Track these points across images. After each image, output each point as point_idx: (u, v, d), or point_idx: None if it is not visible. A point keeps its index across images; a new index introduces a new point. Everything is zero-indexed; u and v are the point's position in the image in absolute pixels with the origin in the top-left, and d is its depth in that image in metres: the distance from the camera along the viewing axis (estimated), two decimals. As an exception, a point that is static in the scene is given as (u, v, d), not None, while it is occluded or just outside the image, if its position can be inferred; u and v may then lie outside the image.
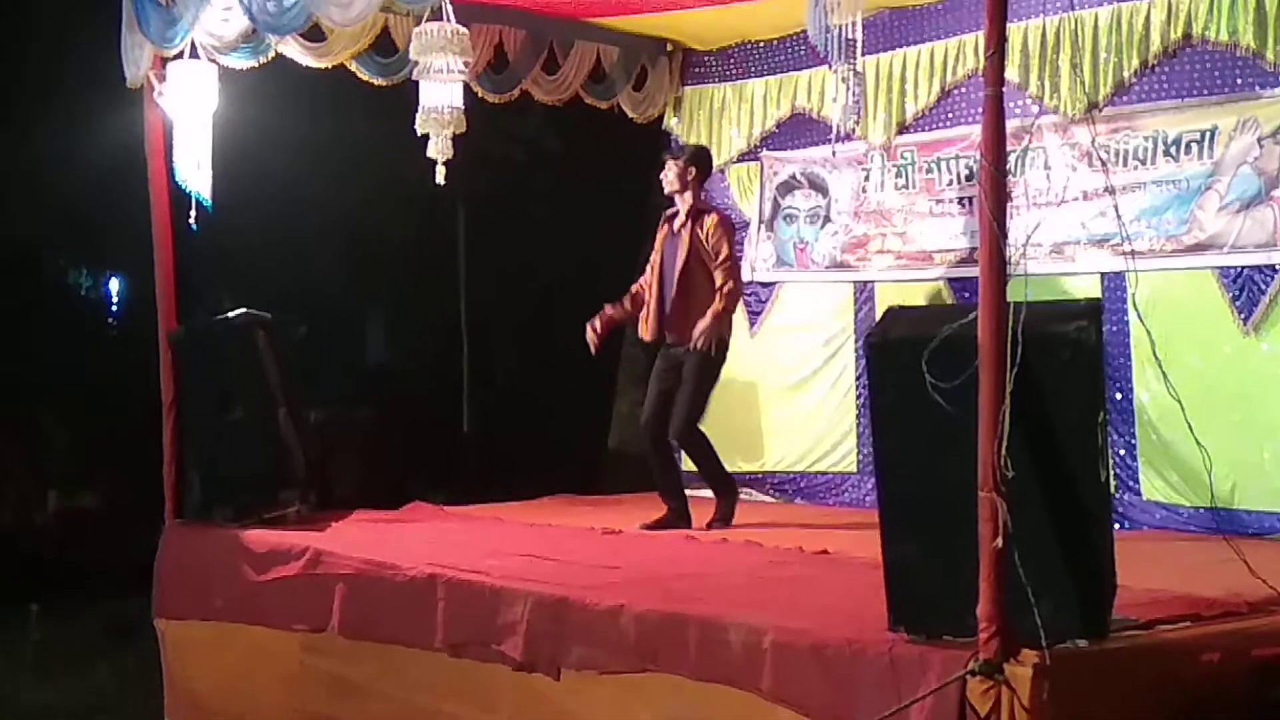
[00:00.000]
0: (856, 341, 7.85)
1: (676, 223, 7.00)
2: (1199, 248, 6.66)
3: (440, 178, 6.53)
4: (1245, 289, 6.53)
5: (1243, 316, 6.53)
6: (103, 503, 10.69)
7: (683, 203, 6.98)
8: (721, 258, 6.84)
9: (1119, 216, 6.61)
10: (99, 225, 11.36)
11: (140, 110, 7.01)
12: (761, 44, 8.36)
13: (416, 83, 6.63)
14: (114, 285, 13.68)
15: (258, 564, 6.32)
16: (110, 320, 13.54)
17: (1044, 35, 7.04)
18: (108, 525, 10.03)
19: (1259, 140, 6.46)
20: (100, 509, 10.66)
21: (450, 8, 6.34)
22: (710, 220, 6.91)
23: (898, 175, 7.80)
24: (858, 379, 7.85)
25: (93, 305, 13.72)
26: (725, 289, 6.82)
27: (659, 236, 7.10)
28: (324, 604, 5.94)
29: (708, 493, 8.47)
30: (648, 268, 7.16)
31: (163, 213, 7.01)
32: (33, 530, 10.46)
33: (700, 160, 7.07)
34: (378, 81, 7.36)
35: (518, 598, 5.23)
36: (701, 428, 7.09)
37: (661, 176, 7.03)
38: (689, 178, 6.95)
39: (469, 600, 5.42)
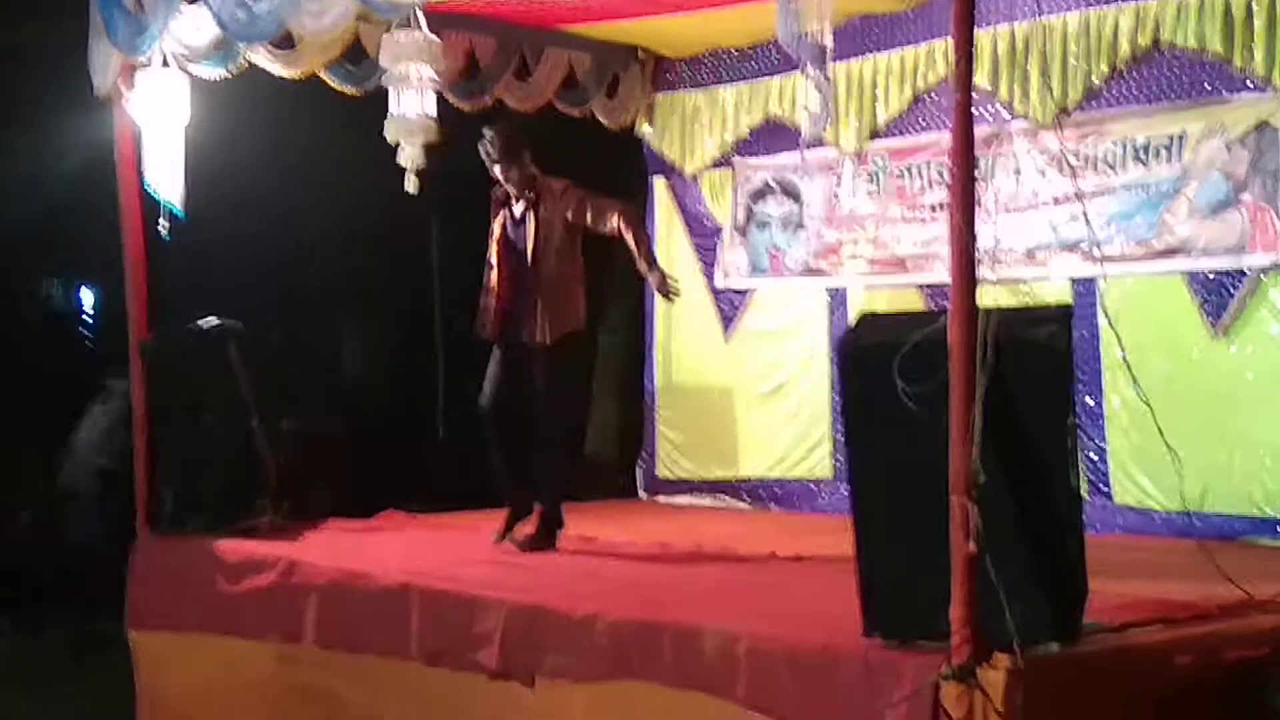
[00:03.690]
0: (830, 347, 7.87)
1: (518, 208, 6.39)
2: (1168, 252, 6.70)
3: (411, 186, 6.51)
4: (1214, 293, 6.57)
5: (1212, 320, 6.57)
6: (74, 513, 10.62)
7: (521, 184, 6.36)
8: (592, 201, 6.29)
9: (1088, 221, 6.65)
10: (70, 235, 11.30)
11: (110, 119, 6.99)
12: (733, 51, 8.38)
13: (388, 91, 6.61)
14: (86, 295, 13.61)
15: (231, 574, 6.30)
16: (82, 330, 13.47)
17: (1013, 41, 7.07)
18: (80, 536, 9.96)
19: (1227, 145, 6.51)
20: (72, 519, 10.58)
21: (422, 16, 6.33)
22: (555, 191, 6.34)
23: (869, 181, 7.82)
24: (832, 385, 7.86)
25: (64, 315, 13.64)
26: (622, 215, 6.26)
27: (497, 223, 6.44)
28: (298, 614, 5.93)
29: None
30: (490, 259, 6.46)
31: (134, 222, 6.99)
32: (2, 541, 10.38)
33: (524, 144, 6.39)
34: (348, 90, 7.35)
35: (492, 606, 5.23)
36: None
37: (504, 180, 6.37)
38: (529, 167, 6.36)
39: (443, 609, 5.41)
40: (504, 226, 6.41)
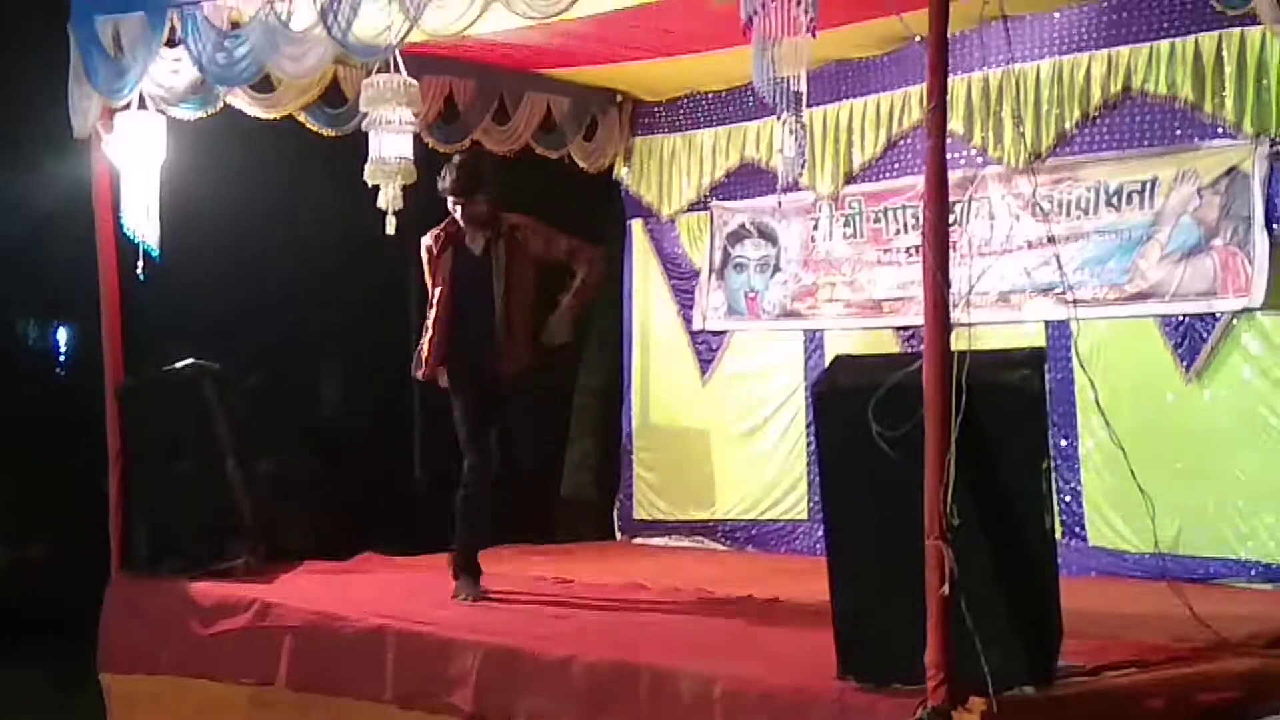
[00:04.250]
0: (807, 389, 7.88)
1: (477, 244, 6.27)
2: (1141, 296, 6.75)
3: (390, 228, 6.53)
4: (1187, 337, 6.62)
5: (1185, 364, 6.62)
6: (48, 554, 10.56)
7: (480, 219, 6.23)
8: (565, 240, 6.29)
9: (1061, 266, 6.70)
10: (46, 275, 11.27)
11: (87, 160, 7.00)
12: (710, 95, 8.43)
13: (367, 133, 6.64)
14: (61, 335, 13.56)
15: (205, 617, 6.26)
16: (57, 370, 13.42)
17: (987, 87, 7.13)
18: (53, 577, 9.90)
19: (1199, 191, 6.57)
20: (46, 561, 10.52)
21: (401, 59, 6.37)
22: (522, 226, 6.26)
23: (845, 225, 7.87)
24: (808, 427, 7.88)
25: (40, 355, 13.59)
26: (593, 260, 6.29)
27: (444, 259, 6.28)
28: (272, 657, 5.89)
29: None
30: (439, 296, 6.29)
31: (110, 263, 6.99)
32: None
33: (483, 179, 6.29)
34: (327, 132, 7.37)
35: (468, 648, 5.21)
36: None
37: (465, 217, 6.22)
38: (485, 203, 6.22)
39: (419, 651, 5.39)
40: (455, 263, 6.27)
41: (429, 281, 6.36)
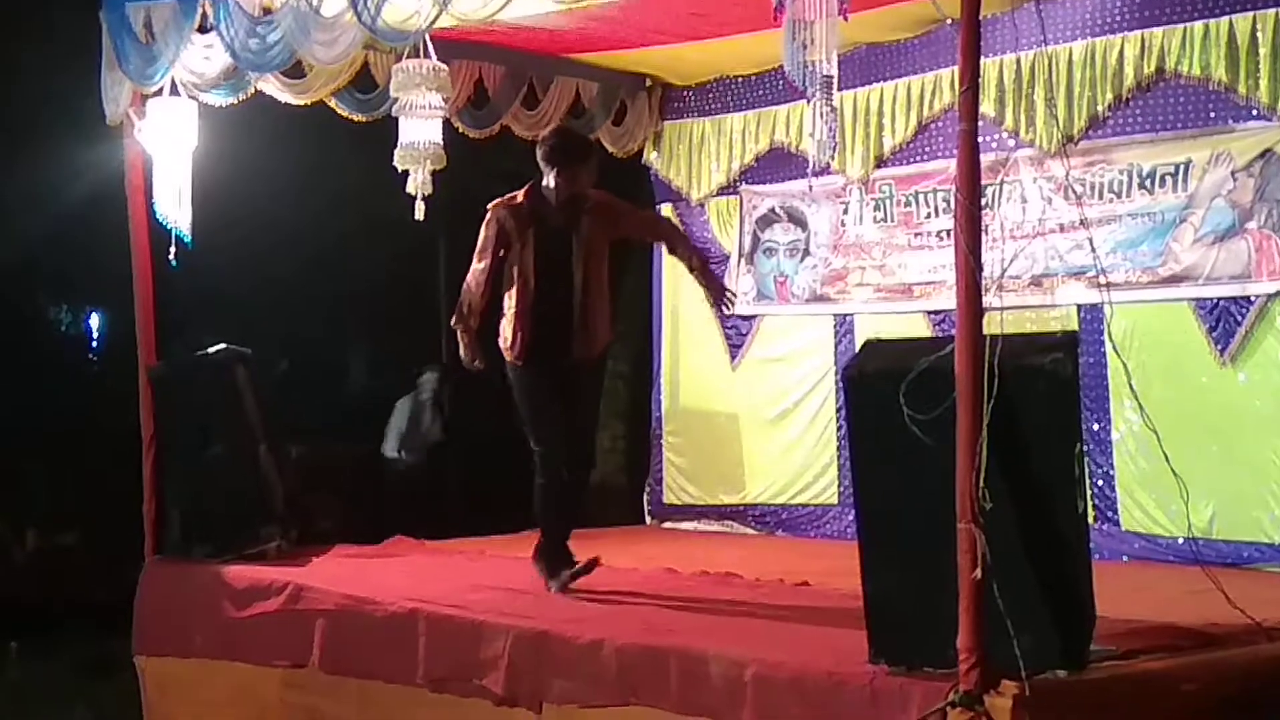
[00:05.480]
0: (837, 374, 7.88)
1: (556, 221, 5.91)
2: (1174, 280, 6.71)
3: (420, 213, 6.54)
4: (1221, 320, 6.58)
5: (1219, 348, 6.58)
6: (82, 539, 10.65)
7: (570, 195, 5.92)
8: (647, 218, 6.37)
9: (1094, 249, 6.67)
10: (79, 262, 11.35)
11: (120, 147, 7.04)
12: (740, 79, 8.41)
13: (397, 118, 6.66)
14: (94, 321, 13.67)
15: (238, 600, 6.31)
16: (90, 356, 13.53)
17: (1019, 70, 7.10)
18: (87, 562, 9.99)
19: (1232, 173, 6.53)
20: (80, 545, 10.61)
21: (431, 44, 6.38)
22: (607, 202, 6.04)
23: (876, 209, 7.84)
24: (838, 411, 7.87)
25: (73, 341, 13.70)
26: (669, 231, 6.44)
27: (528, 235, 5.89)
28: (305, 640, 5.93)
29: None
30: (511, 273, 5.94)
31: (143, 249, 7.03)
32: (11, 567, 10.41)
33: (593, 153, 6.13)
34: (357, 117, 7.39)
35: (499, 632, 5.24)
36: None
37: (568, 186, 5.89)
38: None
39: (450, 635, 5.42)
40: (538, 240, 5.89)
41: (488, 252, 5.95)
